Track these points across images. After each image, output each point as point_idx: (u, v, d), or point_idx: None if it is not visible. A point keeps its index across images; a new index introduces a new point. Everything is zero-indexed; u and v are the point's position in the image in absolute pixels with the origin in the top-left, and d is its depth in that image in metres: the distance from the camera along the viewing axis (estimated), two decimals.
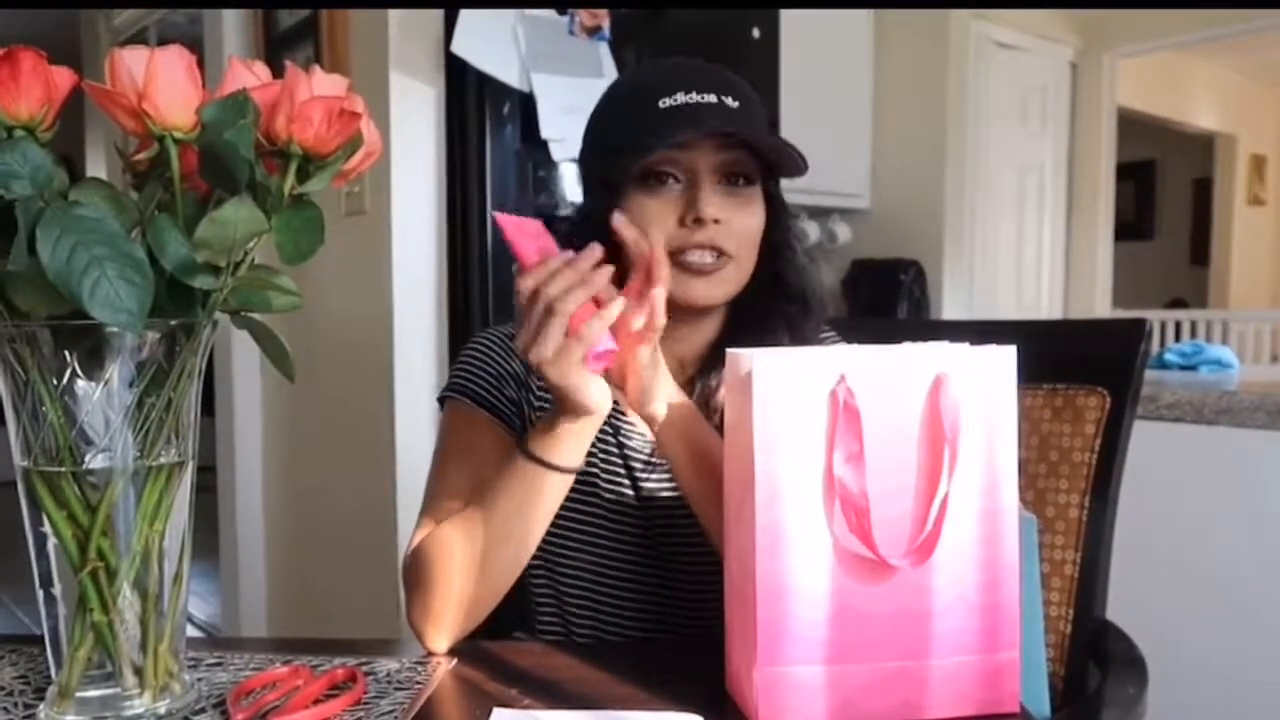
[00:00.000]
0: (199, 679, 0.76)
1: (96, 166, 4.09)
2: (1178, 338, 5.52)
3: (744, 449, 0.69)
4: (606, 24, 2.20)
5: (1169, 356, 2.47)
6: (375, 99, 2.03)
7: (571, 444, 0.83)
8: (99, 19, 3.80)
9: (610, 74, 2.18)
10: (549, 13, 2.13)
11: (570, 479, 0.85)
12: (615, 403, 0.92)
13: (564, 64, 2.12)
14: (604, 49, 2.20)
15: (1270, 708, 1.77)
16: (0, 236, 0.60)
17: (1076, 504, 1.12)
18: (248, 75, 0.67)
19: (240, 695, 0.71)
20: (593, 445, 0.91)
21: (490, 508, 0.85)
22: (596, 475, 0.97)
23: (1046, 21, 4.02)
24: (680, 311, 0.92)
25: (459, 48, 2.03)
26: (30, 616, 3.34)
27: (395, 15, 2.09)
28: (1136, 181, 7.85)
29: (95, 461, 0.65)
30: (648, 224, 0.89)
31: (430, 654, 0.85)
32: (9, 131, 0.62)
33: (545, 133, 2.08)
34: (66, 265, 0.57)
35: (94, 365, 0.65)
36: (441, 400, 1.01)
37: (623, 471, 0.98)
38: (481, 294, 2.11)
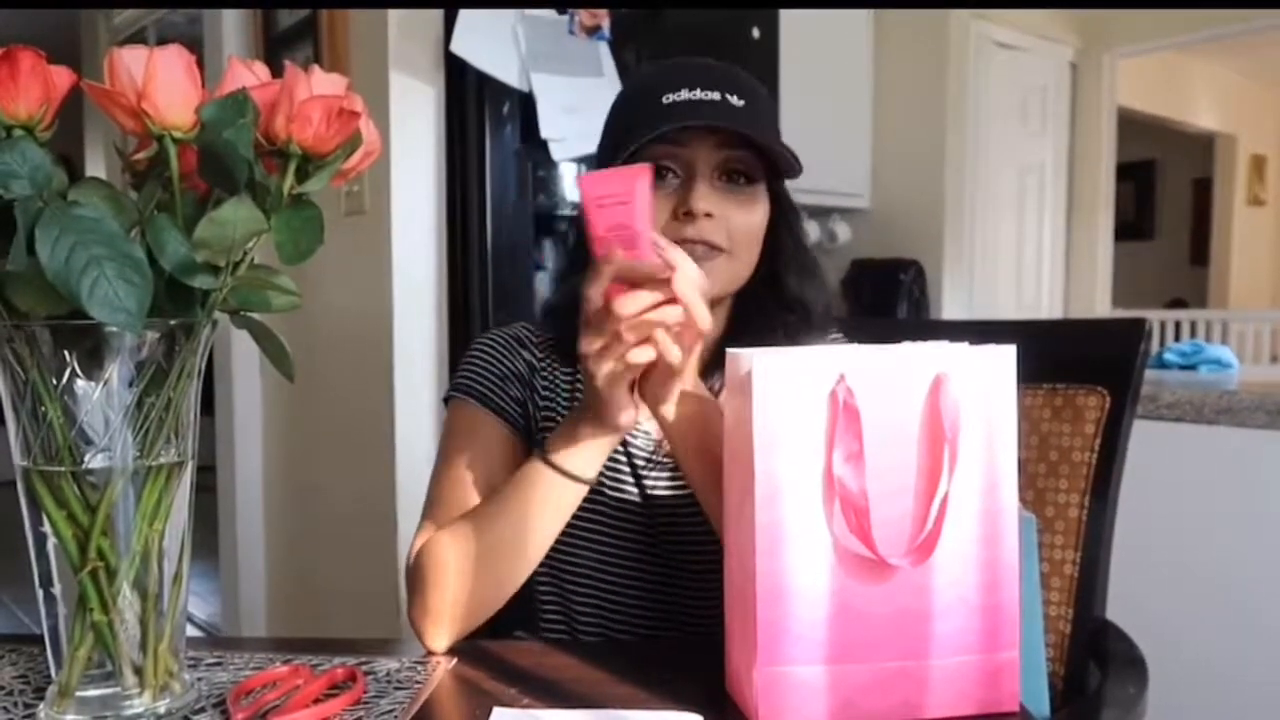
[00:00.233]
0: (199, 678, 0.76)
1: (96, 166, 4.09)
2: (1177, 338, 5.52)
3: (744, 449, 0.69)
4: (606, 24, 2.20)
5: (1169, 356, 2.47)
6: (375, 99, 2.04)
7: (591, 454, 0.83)
8: (98, 19, 3.80)
9: (610, 74, 2.18)
10: (549, 13, 2.13)
11: (582, 493, 0.85)
12: None
13: (564, 64, 2.12)
14: (604, 49, 2.20)
15: (1270, 708, 1.77)
16: None
17: (1076, 504, 1.12)
18: (247, 75, 0.67)
19: (240, 695, 0.71)
20: None
21: (499, 510, 0.85)
22: (601, 475, 0.97)
23: (1046, 21, 4.02)
24: None
25: (459, 47, 2.03)
26: (30, 616, 3.34)
27: (395, 15, 2.09)
28: (1136, 181, 7.86)
29: (95, 461, 0.65)
30: None
31: (430, 653, 0.85)
32: (8, 131, 0.62)
33: (545, 132, 2.07)
34: (65, 265, 0.57)
35: (93, 365, 0.65)
36: (447, 401, 1.01)
37: (626, 471, 0.98)
38: (481, 293, 2.11)
